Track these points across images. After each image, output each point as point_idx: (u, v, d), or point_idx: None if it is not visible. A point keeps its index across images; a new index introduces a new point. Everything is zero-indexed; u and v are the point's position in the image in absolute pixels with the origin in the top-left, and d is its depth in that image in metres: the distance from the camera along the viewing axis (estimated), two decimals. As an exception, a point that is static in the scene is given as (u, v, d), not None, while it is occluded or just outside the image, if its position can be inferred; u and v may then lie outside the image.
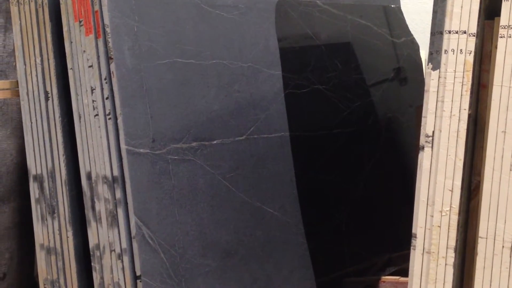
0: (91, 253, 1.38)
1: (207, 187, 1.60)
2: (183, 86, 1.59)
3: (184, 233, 1.47)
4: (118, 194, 1.43)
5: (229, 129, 1.69)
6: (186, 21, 1.48)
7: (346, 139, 1.92)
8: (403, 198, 1.93)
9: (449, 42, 0.95)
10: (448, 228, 0.99)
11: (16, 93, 1.40)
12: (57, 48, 1.38)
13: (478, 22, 0.94)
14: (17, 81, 1.40)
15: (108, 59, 1.39)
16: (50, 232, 1.42)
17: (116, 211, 1.42)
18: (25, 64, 1.38)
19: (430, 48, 0.99)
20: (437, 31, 0.97)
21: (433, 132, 1.00)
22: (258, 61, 1.75)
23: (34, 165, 1.44)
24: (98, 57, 1.38)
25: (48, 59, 1.38)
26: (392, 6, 1.87)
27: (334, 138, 1.90)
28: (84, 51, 1.36)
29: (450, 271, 0.97)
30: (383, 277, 1.64)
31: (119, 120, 1.44)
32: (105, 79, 1.42)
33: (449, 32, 0.95)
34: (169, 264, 1.36)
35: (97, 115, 1.45)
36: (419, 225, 1.01)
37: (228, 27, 1.55)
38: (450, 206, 0.98)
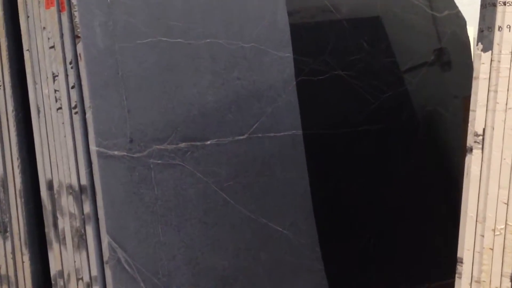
0: (53, 282, 1.39)
1: (199, 199, 1.63)
2: (169, 72, 1.62)
3: (170, 257, 1.49)
4: (87, 208, 1.45)
5: (226, 126, 1.74)
6: (173, -10, 1.37)
7: (374, 139, 1.95)
8: (446, 213, 1.97)
9: (504, 16, 0.92)
10: (503, 251, 0.95)
11: (-42, 81, 1.31)
12: (10, 25, 1.40)
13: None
14: (-42, 67, 1.32)
15: (74, 38, 1.39)
16: (1, 256, 1.44)
17: (85, 230, 1.44)
18: (-32, 46, 1.26)
19: (480, 24, 0.96)
20: (489, 3, 0.94)
21: (484, 130, 0.96)
22: (263, 40, 1.77)
23: (-21, 172, 1.32)
24: (62, 35, 1.38)
25: (-2, 38, 1.25)
26: (432, -30, 1.86)
27: (359, 138, 1.93)
28: (44, 27, 1.35)
29: (505, 305, 0.89)
30: (420, 312, 1.55)
31: (88, 115, 1.47)
32: (70, 63, 1.44)
33: (505, 3, 0.92)
34: (151, 296, 1.24)
35: (60, 108, 1.45)
36: (466, 248, 0.98)
37: (226, -3, 1.43)
38: (506, 224, 0.95)
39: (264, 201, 1.70)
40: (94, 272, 1.36)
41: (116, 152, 1.51)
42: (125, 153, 1.55)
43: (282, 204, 1.74)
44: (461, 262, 0.98)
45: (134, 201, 1.54)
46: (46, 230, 1.43)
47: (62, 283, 1.37)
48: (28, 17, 1.34)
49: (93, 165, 1.48)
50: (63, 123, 1.47)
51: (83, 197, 1.47)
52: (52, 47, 1.37)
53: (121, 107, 1.55)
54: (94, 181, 1.47)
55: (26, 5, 1.32)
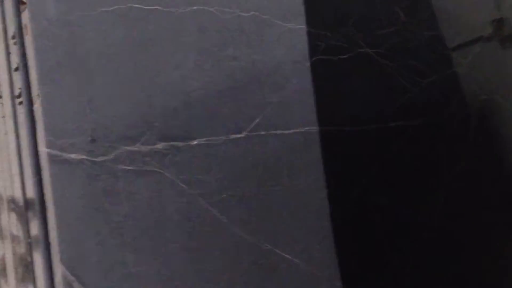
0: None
1: (181, 218, 1.76)
2: (142, 49, 1.76)
3: (142, 292, 1.56)
4: (35, 228, 1.58)
5: (218, 121, 1.85)
6: None
7: (412, 137, 2.09)
8: (506, 229, 2.03)
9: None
10: None
11: None
12: None
13: None
14: None
15: (18, 4, 1.51)
16: None
17: (31, 257, 1.56)
18: None
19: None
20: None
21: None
22: (266, 8, 1.90)
23: None
24: (1, 1, 1.53)
25: None
26: None
27: (391, 136, 2.06)
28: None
29: None
30: None
31: (36, 106, 1.60)
32: (13, 37, 1.56)
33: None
34: None
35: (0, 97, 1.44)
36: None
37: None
38: None
39: (267, 220, 1.79)
40: (44, 315, 1.37)
41: (73, 155, 1.60)
42: (84, 157, 1.64)
43: (291, 223, 1.83)
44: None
45: (97, 219, 1.61)
46: (-21, 258, 1.45)
47: (0, 330, 1.43)
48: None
49: (42, 172, 1.58)
50: (3, 116, 1.59)
51: (30, 214, 1.55)
52: (-13, 16, 1.37)
53: (80, 95, 1.62)
54: (44, 194, 1.58)
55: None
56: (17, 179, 1.67)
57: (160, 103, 1.84)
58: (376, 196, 2.03)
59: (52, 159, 1.65)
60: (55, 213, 1.60)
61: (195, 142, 1.87)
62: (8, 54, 1.63)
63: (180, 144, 1.85)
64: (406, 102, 2.11)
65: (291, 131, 1.96)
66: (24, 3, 1.54)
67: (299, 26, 1.95)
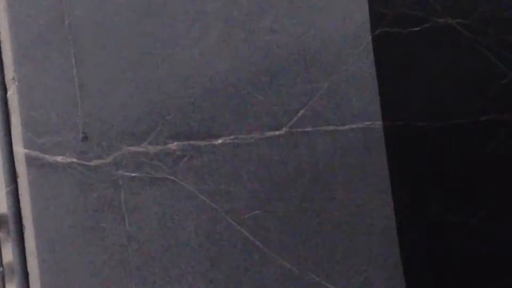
0: None
1: (202, 241, 1.77)
2: (150, 19, 1.79)
3: None
4: (8, 254, 1.59)
5: (250, 114, 1.87)
6: None
7: (509, 135, 2.06)
8: None
9: None
10: None
11: None
12: None
13: None
14: None
15: None
16: None
17: None
18: None
19: None
20: None
21: None
22: None
23: None
24: None
25: None
26: None
27: (481, 134, 2.04)
28: None
29: None
30: None
31: (11, 93, 1.63)
32: None
33: None
34: None
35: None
36: None
37: None
38: None
39: (315, 244, 1.79)
40: None
41: (59, 158, 1.62)
42: (74, 159, 1.66)
43: (347, 249, 1.83)
44: None
45: (90, 242, 1.63)
46: None
47: None
48: None
49: (18, 180, 1.59)
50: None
51: (1, 235, 1.55)
52: None
53: (68, 78, 1.65)
54: (21, 208, 1.59)
55: None
56: (-14, 190, 1.60)
57: (174, 89, 1.87)
58: (461, 214, 2.02)
59: (32, 162, 1.67)
60: (34, 234, 1.62)
61: (220, 141, 1.89)
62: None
63: (200, 143, 1.87)
64: (501, 90, 2.10)
65: (347, 126, 1.97)
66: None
67: (358, -12, 1.92)
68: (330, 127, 1.96)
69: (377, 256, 1.93)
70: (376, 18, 2.02)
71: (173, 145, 1.87)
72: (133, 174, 1.80)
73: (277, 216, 1.92)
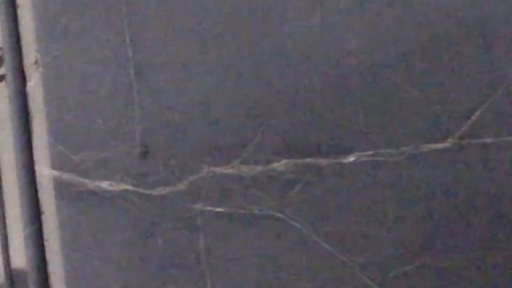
0: None
1: None
2: None
3: None
4: None
5: (399, 117, 1.63)
6: None
7: None
8: None
9: None
10: None
11: None
12: None
13: None
14: None
15: None
16: None
17: None
18: None
19: None
20: None
21: None
22: None
23: None
24: None
25: None
26: None
27: None
28: None
29: None
30: None
31: (33, 84, 1.48)
32: None
33: None
34: None
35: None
36: None
37: None
38: None
39: None
40: None
41: (105, 184, 1.47)
42: (129, 186, 1.48)
43: None
44: None
45: None
46: None
47: None
48: None
49: (43, 218, 1.46)
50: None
51: None
52: None
53: (120, 64, 1.51)
54: (47, 260, 1.45)
55: None
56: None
57: (279, 80, 1.60)
58: None
59: (63, 191, 1.45)
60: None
61: (352, 159, 1.61)
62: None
63: (321, 162, 1.59)
64: None
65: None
66: None
67: None
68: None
69: None
70: None
71: (280, 165, 1.58)
72: (219, 209, 1.54)
73: (440, 272, 1.63)
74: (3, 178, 1.91)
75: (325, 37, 1.68)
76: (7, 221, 1.73)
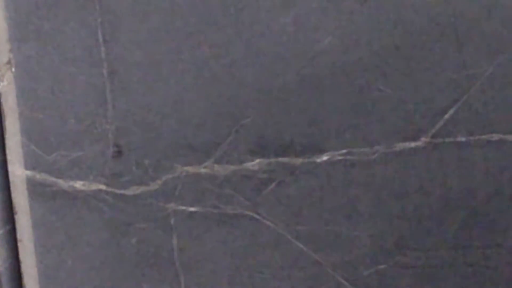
0: None
1: None
2: None
3: None
4: None
5: (373, 116, 1.64)
6: None
7: None
8: None
9: None
10: None
11: None
12: None
13: None
14: None
15: None
16: None
17: None
18: None
19: None
20: None
21: None
22: None
23: None
24: None
25: None
26: None
27: None
28: None
29: None
30: None
31: (6, 84, 1.48)
32: None
33: None
34: None
35: None
36: None
37: None
38: None
39: None
40: None
41: (78, 184, 1.45)
42: (102, 186, 1.47)
43: None
44: None
45: None
46: None
47: None
48: None
49: (16, 218, 1.44)
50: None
51: None
52: None
53: (93, 63, 1.53)
54: (20, 261, 1.43)
55: None
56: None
57: (253, 78, 1.61)
58: None
59: (37, 191, 1.44)
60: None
61: (325, 158, 1.60)
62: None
63: (295, 161, 1.59)
64: None
65: (514, 136, 1.73)
66: None
67: None
68: (495, 136, 1.66)
69: None
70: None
71: (254, 164, 1.59)
72: (192, 209, 1.54)
73: (413, 272, 1.65)
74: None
75: (298, 36, 1.68)
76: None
